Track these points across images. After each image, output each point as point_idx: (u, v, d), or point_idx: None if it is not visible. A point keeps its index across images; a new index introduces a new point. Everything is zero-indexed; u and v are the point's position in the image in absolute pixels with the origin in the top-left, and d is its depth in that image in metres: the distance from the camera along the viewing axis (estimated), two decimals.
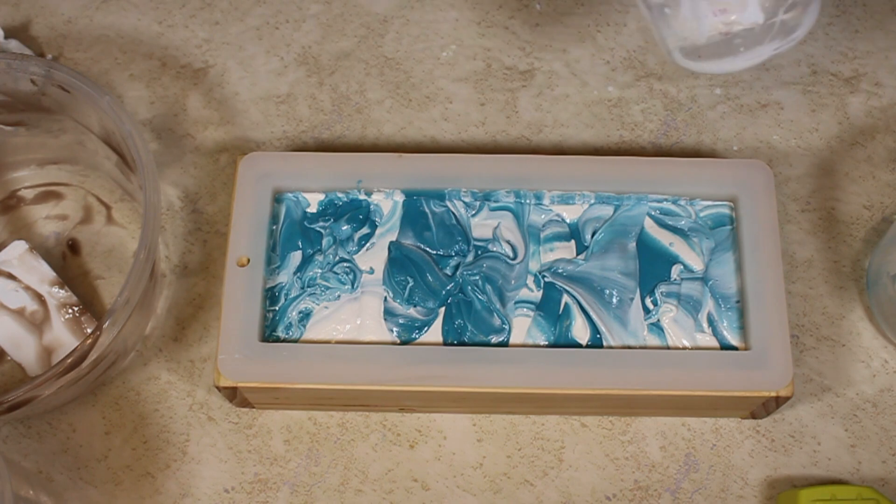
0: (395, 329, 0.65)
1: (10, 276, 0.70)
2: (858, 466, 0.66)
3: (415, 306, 0.65)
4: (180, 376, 0.69)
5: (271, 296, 0.66)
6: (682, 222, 0.67)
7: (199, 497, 0.66)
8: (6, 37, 0.77)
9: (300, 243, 0.67)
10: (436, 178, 0.68)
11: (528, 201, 0.67)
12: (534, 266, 0.66)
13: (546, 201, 0.67)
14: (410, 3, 0.79)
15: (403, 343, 0.64)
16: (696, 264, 0.66)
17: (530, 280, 0.66)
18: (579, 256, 0.66)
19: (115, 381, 0.69)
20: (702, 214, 0.67)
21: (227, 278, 0.65)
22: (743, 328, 0.64)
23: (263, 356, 0.63)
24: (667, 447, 0.67)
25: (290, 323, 0.65)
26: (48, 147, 0.72)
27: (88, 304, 0.70)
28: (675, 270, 0.66)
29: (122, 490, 0.66)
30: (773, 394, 0.61)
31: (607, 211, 0.67)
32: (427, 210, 0.67)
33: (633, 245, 0.66)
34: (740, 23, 0.57)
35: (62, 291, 0.69)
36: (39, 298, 0.69)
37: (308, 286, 0.66)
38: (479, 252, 0.66)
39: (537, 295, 0.65)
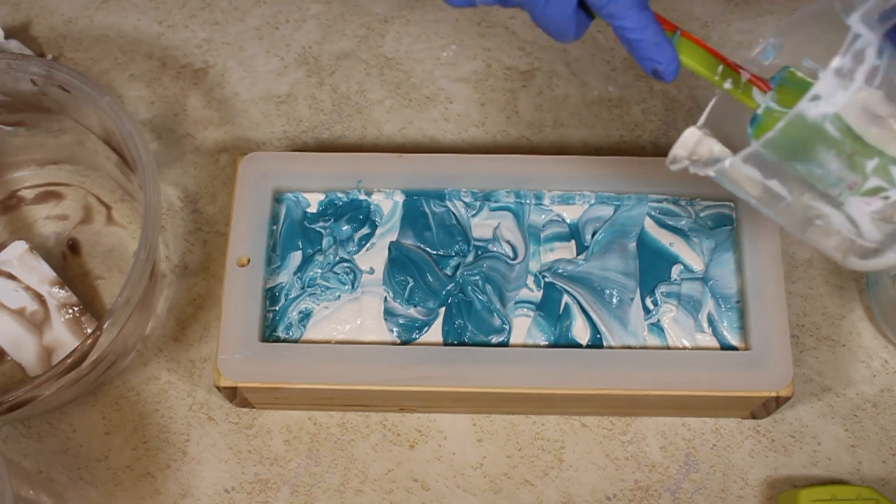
0: (395, 329, 0.65)
1: (10, 276, 0.70)
2: (858, 466, 0.66)
3: (415, 306, 0.65)
4: (180, 376, 0.69)
5: (271, 296, 0.66)
6: (683, 222, 0.67)
7: (199, 497, 0.66)
8: (6, 37, 0.77)
9: (300, 243, 0.67)
10: (436, 178, 0.68)
11: (528, 201, 0.67)
12: (534, 266, 0.66)
13: (546, 201, 0.67)
14: (410, 3, 0.79)
15: (403, 343, 0.64)
16: (696, 264, 0.66)
17: (530, 280, 0.66)
18: (579, 256, 0.66)
19: (115, 381, 0.69)
20: (702, 214, 0.67)
21: (227, 278, 0.65)
22: (743, 328, 0.64)
23: (263, 356, 0.63)
24: (667, 447, 0.67)
25: (290, 323, 0.65)
26: (48, 147, 0.72)
27: (88, 304, 0.70)
28: (675, 270, 0.66)
29: (122, 490, 0.66)
30: (773, 394, 0.61)
31: (607, 211, 0.67)
32: (427, 210, 0.67)
33: (633, 245, 0.66)
34: None
35: (62, 291, 0.69)
36: (39, 298, 0.69)
37: (308, 286, 0.66)
38: (480, 252, 0.66)
39: (537, 295, 0.65)
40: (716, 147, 0.54)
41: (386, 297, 0.65)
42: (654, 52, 0.52)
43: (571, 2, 0.52)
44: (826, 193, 0.48)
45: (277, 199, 0.68)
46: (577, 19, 0.52)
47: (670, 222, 0.67)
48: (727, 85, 0.54)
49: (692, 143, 0.54)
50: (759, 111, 0.53)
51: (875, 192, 0.48)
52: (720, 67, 0.53)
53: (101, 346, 0.61)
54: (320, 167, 0.68)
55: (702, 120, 0.55)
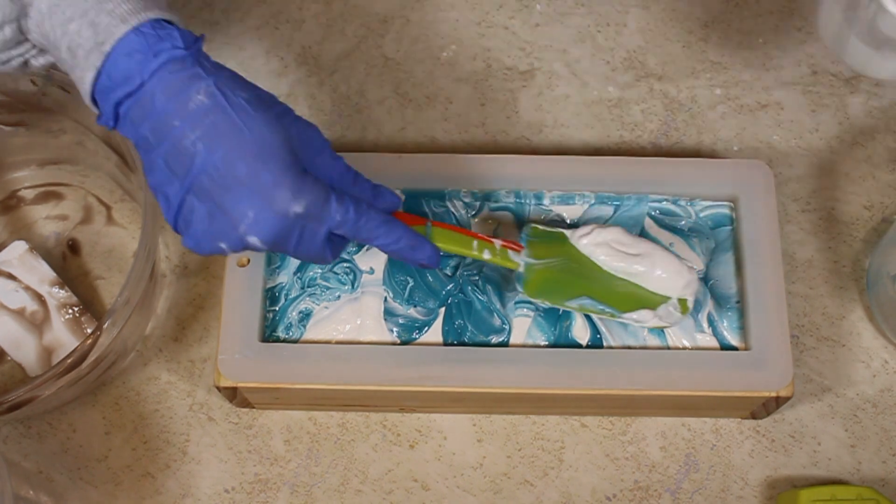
0: (395, 329, 0.65)
1: (10, 277, 0.70)
2: (858, 466, 0.66)
3: (415, 306, 0.65)
4: (180, 376, 0.69)
5: (271, 296, 0.66)
6: (682, 222, 0.67)
7: (199, 497, 0.66)
8: None
9: None
10: (436, 178, 0.68)
11: (528, 201, 0.67)
12: None
13: (546, 201, 0.67)
14: (410, 3, 0.79)
15: (403, 343, 0.64)
16: (696, 264, 0.66)
17: None
18: None
19: (115, 381, 0.69)
20: (702, 215, 0.67)
21: (227, 278, 0.65)
22: (743, 328, 0.64)
23: (263, 356, 0.63)
24: (667, 447, 0.67)
25: (290, 323, 0.65)
26: (48, 147, 0.72)
27: (88, 304, 0.70)
28: None
29: (122, 490, 0.66)
30: (773, 394, 0.61)
31: (607, 211, 0.67)
32: (427, 210, 0.67)
33: None
34: None
35: (62, 291, 0.69)
36: (39, 298, 0.69)
37: (308, 286, 0.66)
38: None
39: None
40: None
41: (386, 297, 0.65)
42: (414, 255, 0.57)
43: (316, 246, 0.53)
44: None
45: None
46: (330, 247, 0.54)
47: (670, 222, 0.67)
48: (486, 255, 0.61)
49: None
50: (521, 269, 0.61)
51: None
52: (475, 242, 0.60)
53: (101, 346, 0.61)
54: None
55: None
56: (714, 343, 0.64)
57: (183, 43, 0.51)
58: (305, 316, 0.65)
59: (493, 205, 0.67)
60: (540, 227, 0.64)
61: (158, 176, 0.52)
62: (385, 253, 0.57)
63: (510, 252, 0.61)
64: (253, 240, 0.51)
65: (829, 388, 0.68)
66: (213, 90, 0.50)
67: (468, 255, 0.60)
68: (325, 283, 0.66)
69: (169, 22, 0.51)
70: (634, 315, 0.60)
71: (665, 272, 0.61)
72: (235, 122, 0.50)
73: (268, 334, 0.65)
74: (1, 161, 0.73)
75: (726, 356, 0.63)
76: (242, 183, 0.50)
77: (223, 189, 0.50)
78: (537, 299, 0.61)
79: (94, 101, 0.52)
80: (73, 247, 0.72)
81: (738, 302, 0.65)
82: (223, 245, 0.52)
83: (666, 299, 0.60)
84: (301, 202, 0.51)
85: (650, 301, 0.60)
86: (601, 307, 0.60)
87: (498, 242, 0.61)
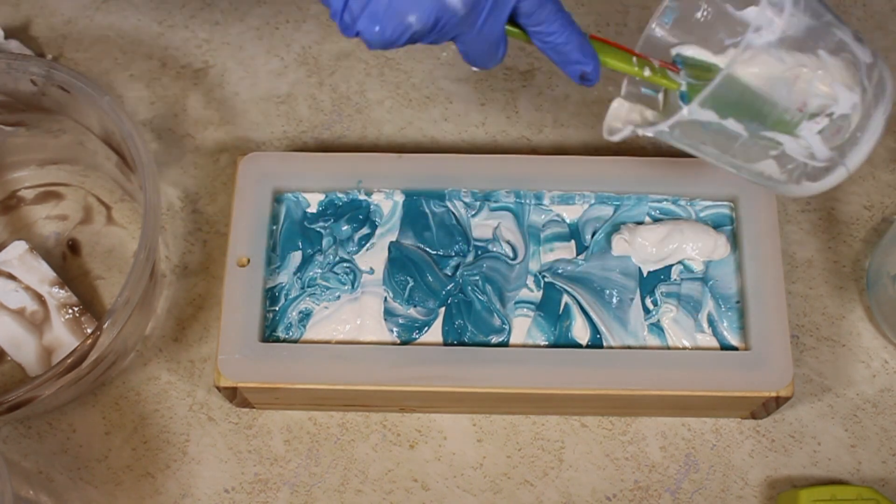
0: (395, 329, 0.65)
1: (10, 277, 0.70)
2: (858, 466, 0.66)
3: (415, 306, 0.65)
4: (180, 376, 0.69)
5: (271, 296, 0.66)
6: None
7: (199, 497, 0.66)
8: (6, 37, 0.77)
9: (300, 243, 0.67)
10: (436, 178, 0.68)
11: (528, 201, 0.67)
12: (534, 266, 0.66)
13: (546, 201, 0.67)
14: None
15: (403, 343, 0.64)
16: (696, 264, 0.66)
17: (530, 280, 0.66)
18: (579, 256, 0.66)
19: (115, 381, 0.69)
20: (702, 214, 0.67)
21: (227, 278, 0.65)
22: (743, 328, 0.64)
23: (263, 356, 0.63)
24: (667, 447, 0.67)
25: (290, 323, 0.65)
26: (48, 147, 0.72)
27: (88, 304, 0.70)
28: (675, 270, 0.66)
29: (122, 490, 0.66)
30: (773, 394, 0.61)
31: (607, 211, 0.67)
32: (427, 210, 0.67)
33: None
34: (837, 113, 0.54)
35: (62, 291, 0.69)
36: (39, 298, 0.69)
37: (308, 286, 0.66)
38: (479, 252, 0.66)
39: (537, 295, 0.65)
40: (647, 111, 0.57)
41: (386, 297, 0.65)
42: (580, 56, 0.53)
43: (501, 21, 0.51)
44: (781, 121, 0.52)
45: (277, 199, 0.68)
46: (504, 41, 0.52)
47: None
48: (646, 73, 0.56)
49: (623, 112, 0.57)
50: (684, 88, 0.56)
51: (820, 110, 0.52)
52: (634, 59, 0.56)
53: (101, 346, 0.61)
54: (320, 167, 0.68)
55: (623, 91, 0.59)
56: (714, 343, 0.64)
57: None
58: (305, 316, 0.65)
59: (493, 205, 0.67)
60: (686, 53, 0.58)
61: None
62: (549, 49, 0.52)
63: (669, 72, 0.56)
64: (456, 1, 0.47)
65: (829, 388, 0.68)
66: None
67: (627, 71, 0.56)
68: (325, 283, 0.66)
69: None
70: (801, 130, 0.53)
71: None
72: None
73: (268, 334, 0.65)
74: (1, 161, 0.73)
75: (726, 356, 0.63)
76: None
77: None
78: (702, 107, 0.52)
79: None
80: (73, 247, 0.72)
81: (738, 302, 0.65)
82: (412, 18, 0.47)
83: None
84: None
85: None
86: (770, 129, 0.53)
87: (656, 62, 0.56)
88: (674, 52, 0.58)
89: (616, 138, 0.56)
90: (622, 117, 0.57)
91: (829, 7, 0.53)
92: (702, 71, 0.57)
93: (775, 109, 0.52)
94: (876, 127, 0.53)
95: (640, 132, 0.54)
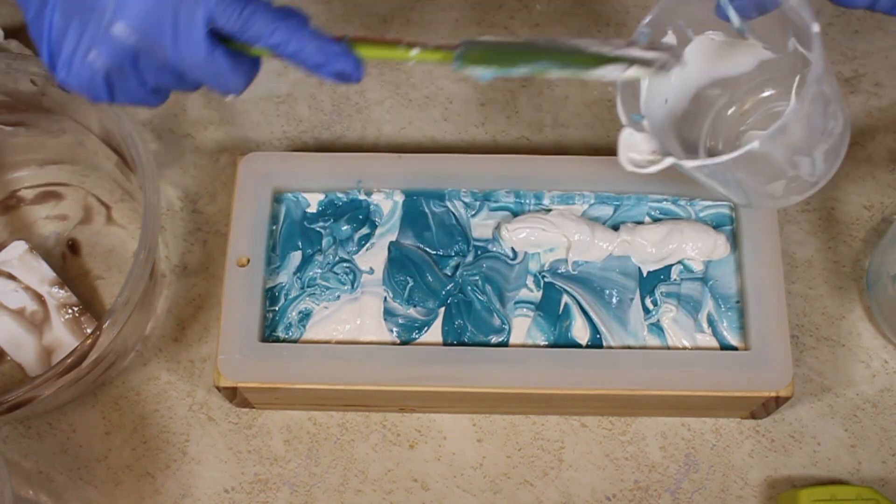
0: (395, 329, 0.65)
1: (10, 277, 0.70)
2: (858, 466, 0.66)
3: (415, 306, 0.65)
4: (180, 376, 0.69)
5: (271, 296, 0.66)
6: None
7: (199, 497, 0.66)
8: (6, 37, 0.77)
9: (300, 243, 0.67)
10: (436, 178, 0.68)
11: (528, 201, 0.67)
12: (533, 266, 0.66)
13: (546, 201, 0.67)
14: (410, 3, 0.79)
15: (403, 343, 0.64)
16: (696, 264, 0.66)
17: (530, 280, 0.66)
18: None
19: (115, 381, 0.69)
20: (702, 214, 0.67)
21: (227, 278, 0.65)
22: (743, 328, 0.64)
23: (263, 356, 0.63)
24: (667, 447, 0.67)
25: (290, 323, 0.65)
26: (48, 147, 0.72)
27: (88, 304, 0.70)
28: (675, 270, 0.66)
29: (122, 490, 0.66)
30: (773, 394, 0.61)
31: (607, 211, 0.67)
32: (427, 210, 0.67)
33: None
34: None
35: (62, 291, 0.69)
36: (39, 298, 0.69)
37: (308, 286, 0.66)
38: (479, 252, 0.66)
39: (537, 295, 0.65)
40: (653, 141, 0.57)
41: (386, 297, 0.65)
42: (322, 57, 0.50)
43: (197, 29, 0.47)
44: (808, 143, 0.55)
45: (277, 199, 0.68)
46: (222, 53, 0.48)
47: None
48: (413, 52, 0.52)
49: (637, 141, 0.57)
50: (459, 52, 0.52)
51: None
52: (403, 45, 0.52)
53: (101, 346, 0.61)
54: (320, 167, 0.68)
55: (623, 119, 0.57)
56: (714, 343, 0.64)
57: None
58: (305, 316, 0.65)
59: (493, 205, 0.67)
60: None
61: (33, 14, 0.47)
62: (291, 62, 0.50)
63: (444, 48, 0.53)
64: (120, 27, 0.45)
65: (829, 388, 0.68)
66: None
67: (396, 57, 0.52)
68: (324, 283, 0.66)
69: None
70: (600, 71, 0.53)
71: None
72: None
73: (268, 334, 0.65)
74: (1, 161, 0.73)
75: (726, 356, 0.63)
76: None
77: None
78: (479, 66, 0.52)
79: None
80: (73, 247, 0.72)
81: (738, 302, 0.65)
82: (92, 55, 0.46)
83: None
84: None
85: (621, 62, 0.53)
86: (563, 67, 0.52)
87: (431, 44, 0.53)
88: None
89: (652, 170, 0.56)
90: (639, 147, 0.57)
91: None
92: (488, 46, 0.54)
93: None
94: (841, 157, 0.58)
95: (684, 164, 0.55)
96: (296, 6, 0.79)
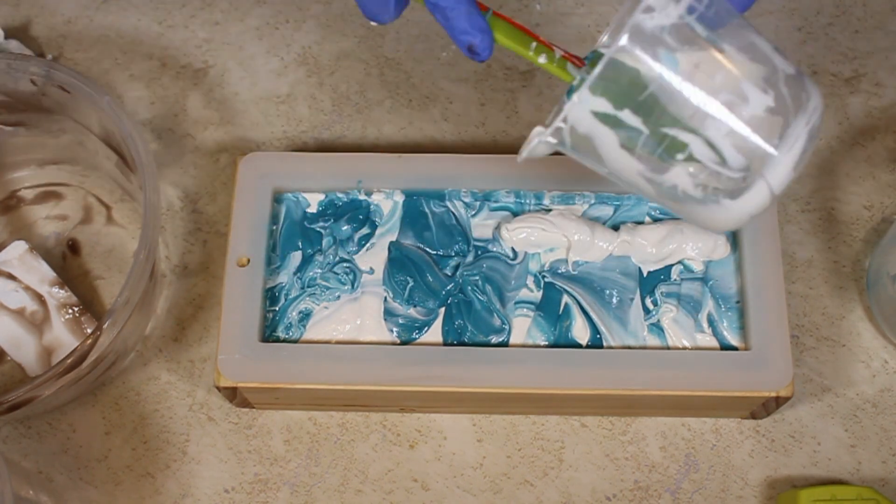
0: (395, 329, 0.65)
1: (10, 277, 0.70)
2: (858, 467, 0.66)
3: (415, 306, 0.65)
4: (180, 376, 0.69)
5: (271, 296, 0.66)
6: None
7: (199, 497, 0.66)
8: (6, 37, 0.77)
9: (300, 243, 0.67)
10: (436, 178, 0.68)
11: (528, 201, 0.67)
12: (534, 266, 0.66)
13: (546, 201, 0.67)
14: (410, 3, 0.79)
15: (403, 343, 0.64)
16: (696, 264, 0.66)
17: (530, 280, 0.66)
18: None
19: (115, 381, 0.69)
20: None
21: (227, 278, 0.65)
22: (743, 328, 0.64)
23: (263, 356, 0.63)
24: (667, 447, 0.67)
25: (290, 323, 0.65)
26: (48, 147, 0.72)
27: (88, 304, 0.70)
28: (675, 270, 0.66)
29: (122, 490, 0.66)
30: (773, 394, 0.61)
31: (607, 211, 0.67)
32: (427, 210, 0.67)
33: None
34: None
35: (62, 291, 0.69)
36: (39, 298, 0.69)
37: (308, 286, 0.66)
38: (479, 252, 0.66)
39: (537, 295, 0.65)
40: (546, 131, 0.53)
41: (386, 297, 0.65)
42: (467, 24, 0.50)
43: None
44: (679, 118, 0.48)
45: (277, 199, 0.68)
46: None
47: None
48: (542, 59, 0.53)
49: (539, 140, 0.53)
50: (575, 83, 0.52)
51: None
52: (533, 44, 0.53)
53: (101, 346, 0.61)
54: (320, 167, 0.68)
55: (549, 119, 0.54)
56: (714, 343, 0.64)
57: None
58: (305, 316, 0.65)
59: (493, 205, 0.67)
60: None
61: None
62: (438, 15, 0.51)
63: (569, 65, 0.53)
64: None
65: (829, 388, 0.68)
66: None
67: (521, 54, 0.53)
68: (325, 283, 0.66)
69: None
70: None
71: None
72: None
73: (268, 334, 0.65)
74: (1, 161, 0.73)
75: (726, 356, 0.63)
76: None
77: None
78: (601, 97, 0.50)
79: None
80: (73, 247, 0.72)
81: (738, 302, 0.65)
82: None
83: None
84: None
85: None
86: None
87: (559, 51, 0.53)
88: (601, 47, 0.54)
89: (523, 155, 0.54)
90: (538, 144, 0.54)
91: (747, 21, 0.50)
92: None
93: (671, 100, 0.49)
94: (796, 140, 0.49)
95: (540, 140, 0.52)
96: (294, 7, 0.80)
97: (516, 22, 0.53)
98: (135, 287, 0.61)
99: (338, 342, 0.64)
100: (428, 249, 0.67)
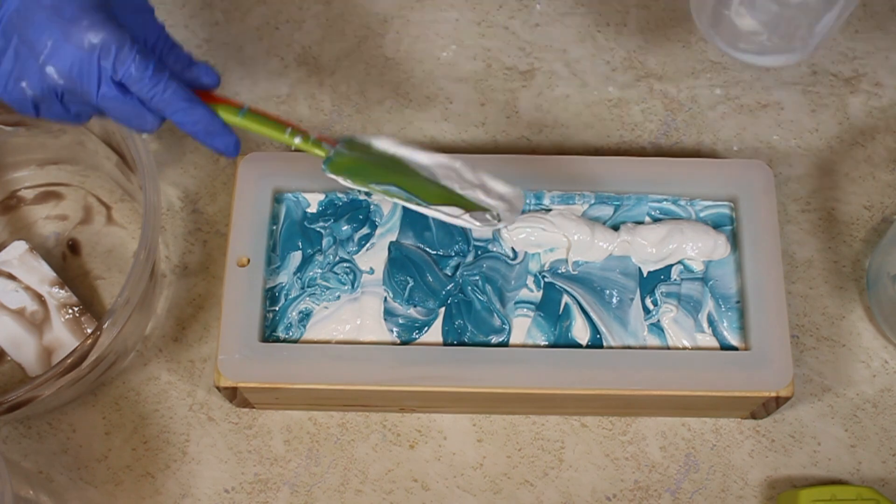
0: (395, 329, 0.65)
1: (10, 277, 0.70)
2: (858, 466, 0.66)
3: (415, 306, 0.65)
4: (180, 376, 0.69)
5: (271, 296, 0.66)
6: None
7: (199, 497, 0.66)
8: None
9: (300, 243, 0.67)
10: None
11: (528, 201, 0.67)
12: (534, 266, 0.66)
13: (546, 201, 0.67)
14: (410, 3, 0.79)
15: (403, 343, 0.64)
16: (696, 264, 0.66)
17: (530, 280, 0.66)
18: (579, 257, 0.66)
19: (115, 381, 0.69)
20: (702, 214, 0.67)
21: (227, 278, 0.65)
22: (743, 328, 0.64)
23: (263, 356, 0.63)
24: (667, 447, 0.67)
25: (290, 323, 0.65)
26: (48, 147, 0.72)
27: (88, 304, 0.70)
28: (675, 270, 0.66)
29: (122, 490, 0.66)
30: (773, 394, 0.61)
31: (607, 211, 0.67)
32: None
33: None
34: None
35: (62, 291, 0.69)
36: (39, 298, 0.69)
37: (308, 286, 0.66)
38: (479, 252, 0.66)
39: (537, 295, 0.65)
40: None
41: (386, 297, 0.65)
42: (211, 141, 0.57)
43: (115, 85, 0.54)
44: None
45: (277, 199, 0.68)
46: (139, 104, 0.55)
47: None
48: (297, 140, 0.60)
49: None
50: (332, 154, 0.60)
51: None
52: (288, 129, 0.60)
53: (101, 346, 0.61)
54: (320, 167, 0.68)
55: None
56: (714, 343, 0.64)
57: None
58: (305, 316, 0.65)
59: None
60: (357, 139, 0.62)
61: None
62: (184, 131, 0.57)
63: (324, 143, 0.60)
64: (51, 70, 0.53)
65: (829, 388, 0.68)
66: None
67: (277, 139, 0.60)
68: (325, 283, 0.66)
69: None
70: (444, 209, 0.59)
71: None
72: None
73: (268, 334, 0.65)
74: (1, 161, 0.73)
75: (726, 356, 0.63)
76: (46, 14, 0.52)
77: (28, 23, 0.53)
78: (339, 176, 0.60)
79: None
80: (73, 247, 0.72)
81: (738, 302, 0.65)
82: (24, 83, 0.54)
83: (484, 210, 0.60)
84: (98, 34, 0.52)
85: (466, 204, 0.60)
86: (408, 196, 0.60)
87: (314, 134, 0.60)
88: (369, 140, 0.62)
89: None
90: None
91: None
92: (367, 149, 0.61)
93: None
94: None
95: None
96: (295, 7, 0.80)
97: (271, 113, 0.60)
98: (135, 287, 0.61)
99: (338, 342, 0.64)
100: (428, 249, 0.67)
